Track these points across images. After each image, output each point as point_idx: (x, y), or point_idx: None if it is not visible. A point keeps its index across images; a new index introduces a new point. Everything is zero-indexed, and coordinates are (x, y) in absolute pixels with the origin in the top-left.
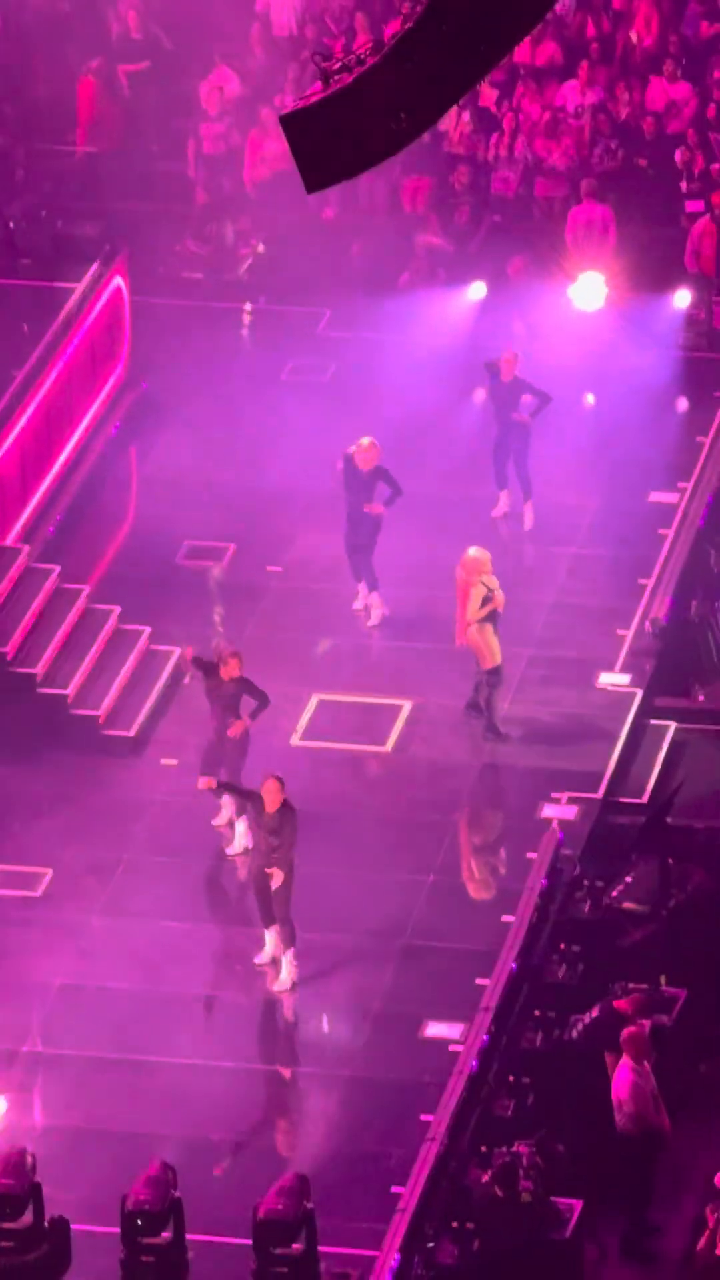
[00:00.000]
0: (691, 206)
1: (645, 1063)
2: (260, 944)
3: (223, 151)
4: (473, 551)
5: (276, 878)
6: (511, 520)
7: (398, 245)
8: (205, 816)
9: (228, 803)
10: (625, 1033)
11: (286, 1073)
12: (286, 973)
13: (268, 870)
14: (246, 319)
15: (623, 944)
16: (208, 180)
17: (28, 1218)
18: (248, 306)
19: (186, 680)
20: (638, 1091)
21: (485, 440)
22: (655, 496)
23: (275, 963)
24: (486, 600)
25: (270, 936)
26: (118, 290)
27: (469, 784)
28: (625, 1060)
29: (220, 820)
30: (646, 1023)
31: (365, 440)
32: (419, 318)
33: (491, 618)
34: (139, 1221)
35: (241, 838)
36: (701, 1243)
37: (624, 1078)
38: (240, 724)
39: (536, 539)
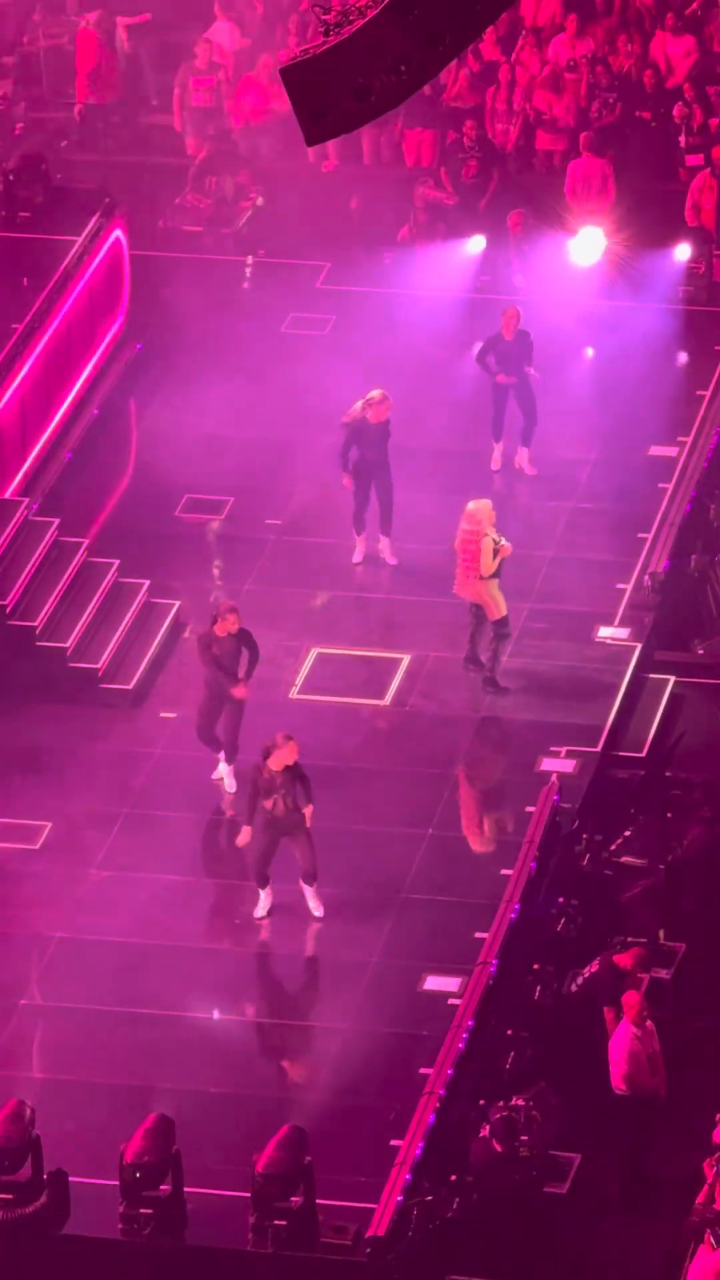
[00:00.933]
0: (691, 160)
1: (645, 1024)
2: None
3: (211, 105)
4: (473, 505)
5: (309, 817)
6: (508, 473)
7: (397, 199)
8: (204, 770)
9: (232, 783)
10: (624, 997)
11: (285, 1026)
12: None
13: (304, 810)
14: (248, 272)
15: (621, 898)
16: (195, 132)
17: (26, 1171)
18: (249, 259)
19: (186, 634)
20: (633, 1056)
21: (484, 393)
22: (655, 450)
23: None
24: (496, 552)
25: (266, 895)
26: (117, 243)
27: (468, 737)
28: (624, 1023)
29: (218, 774)
30: (645, 977)
31: (376, 392)
32: (418, 271)
33: (497, 570)
34: (138, 1174)
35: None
36: (700, 1197)
37: (620, 1041)
38: (243, 686)
39: (536, 493)
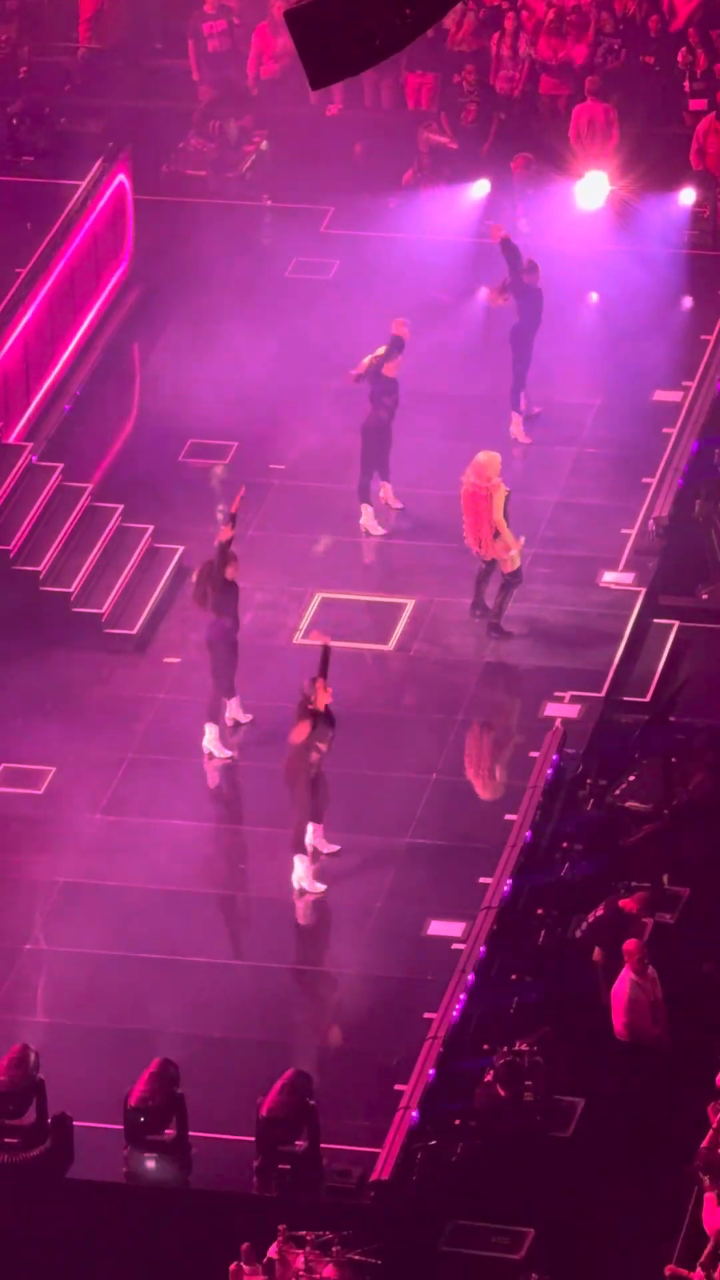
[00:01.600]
0: (695, 105)
1: (650, 970)
2: (273, 843)
3: (226, 49)
4: (483, 456)
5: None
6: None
7: (402, 142)
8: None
9: (234, 705)
10: (625, 945)
11: (289, 970)
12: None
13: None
14: (268, 217)
15: (626, 842)
16: (213, 79)
17: (30, 1115)
18: (268, 202)
19: (193, 579)
20: (634, 1004)
21: (487, 337)
22: (659, 395)
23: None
24: (507, 502)
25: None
26: (121, 187)
27: (472, 682)
28: (626, 971)
29: (209, 742)
30: (650, 922)
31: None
32: (423, 215)
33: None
34: (142, 1118)
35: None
36: (706, 1141)
37: (622, 990)
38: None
39: (540, 437)
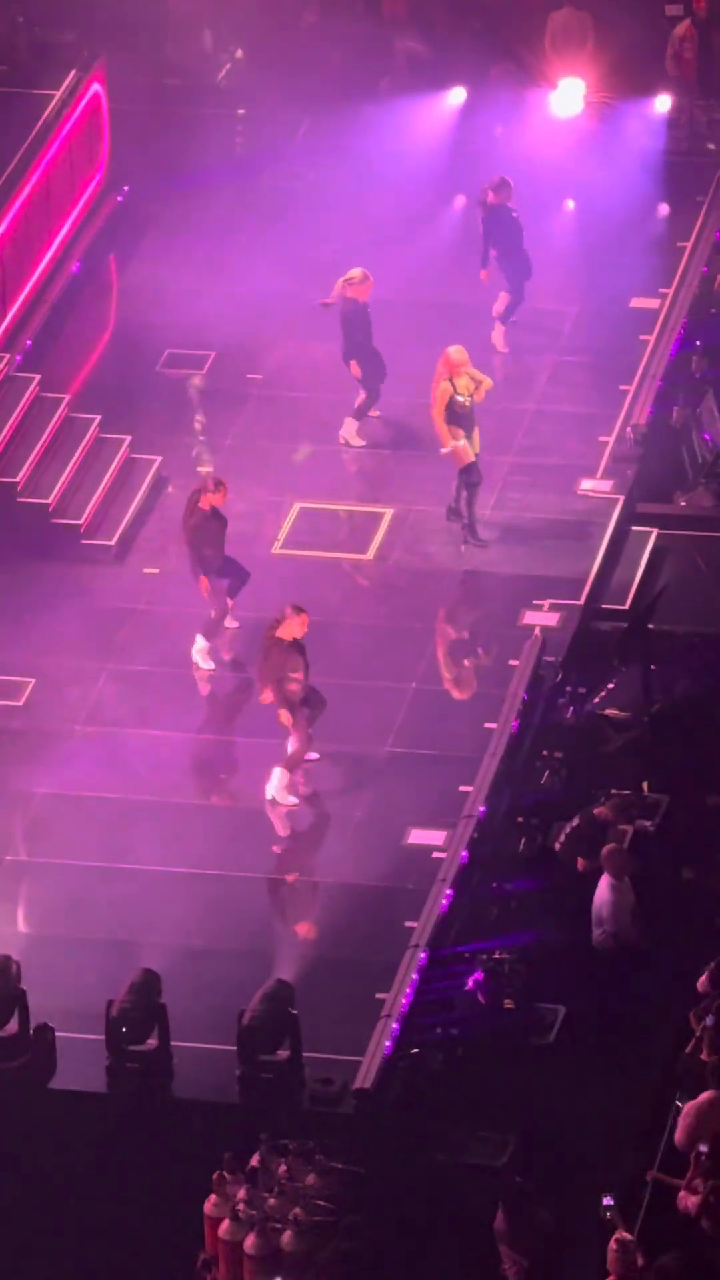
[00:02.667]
0: (671, 10)
1: (625, 878)
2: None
3: None
4: (451, 348)
5: None
6: (490, 324)
7: (376, 51)
8: (188, 625)
9: (231, 621)
10: (604, 850)
11: (270, 880)
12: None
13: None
14: (240, 126)
15: (605, 750)
16: None
17: (13, 1025)
18: (240, 112)
19: (170, 489)
20: (616, 909)
21: (465, 244)
22: (636, 302)
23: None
24: (452, 402)
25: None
26: (96, 97)
27: (451, 591)
28: (605, 876)
29: (198, 651)
30: (629, 829)
31: (356, 271)
32: (398, 123)
33: (457, 419)
34: (124, 1028)
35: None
36: (689, 1048)
37: (603, 895)
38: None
39: (518, 346)
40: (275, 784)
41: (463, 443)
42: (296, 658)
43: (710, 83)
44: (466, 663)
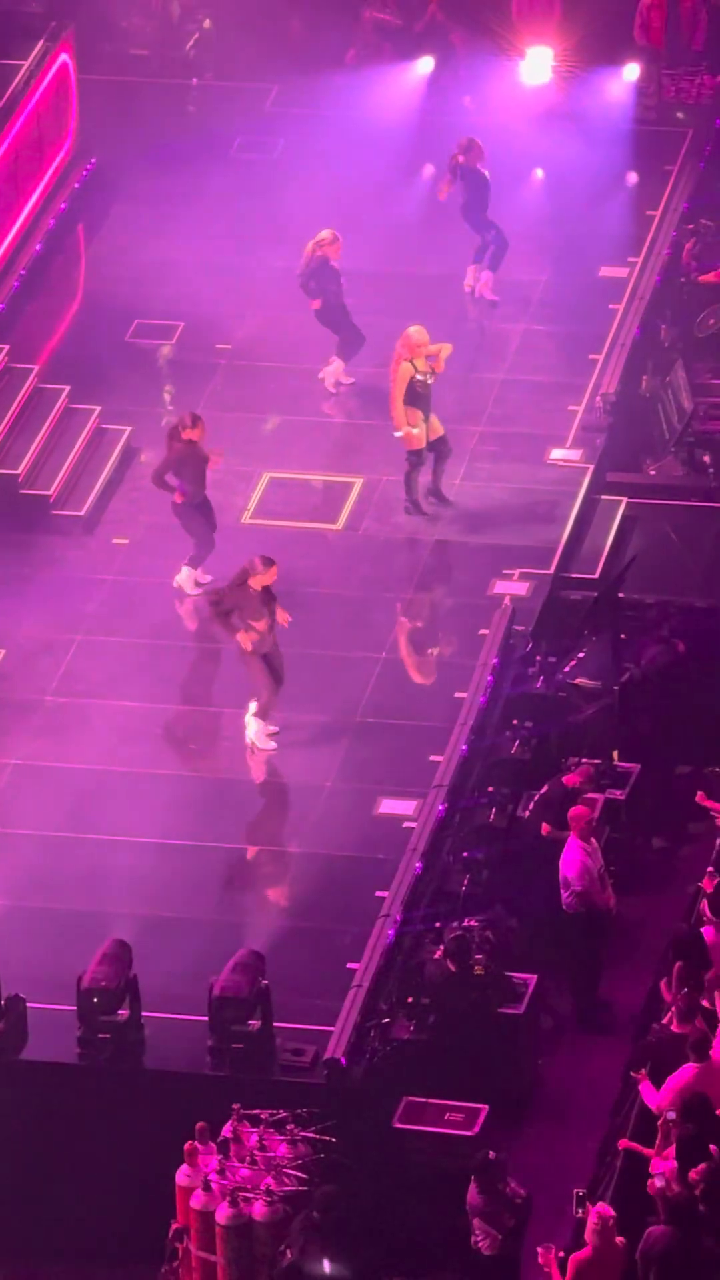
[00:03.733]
0: None
1: (592, 840)
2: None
3: None
4: (411, 328)
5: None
6: (461, 295)
7: (344, 20)
8: (159, 596)
9: (204, 576)
10: (571, 811)
11: (241, 850)
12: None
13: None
14: (193, 94)
15: (575, 719)
16: None
17: None
18: (195, 81)
19: (141, 459)
20: (585, 871)
21: (434, 214)
22: (605, 271)
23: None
24: (416, 382)
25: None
26: (64, 66)
27: (420, 561)
28: (573, 839)
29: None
30: (599, 798)
31: (326, 233)
32: (366, 93)
33: (416, 400)
34: (95, 999)
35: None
36: (666, 1018)
37: (571, 856)
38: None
39: (487, 314)
40: (252, 730)
41: (417, 430)
42: (259, 606)
43: (679, 51)
44: (436, 632)
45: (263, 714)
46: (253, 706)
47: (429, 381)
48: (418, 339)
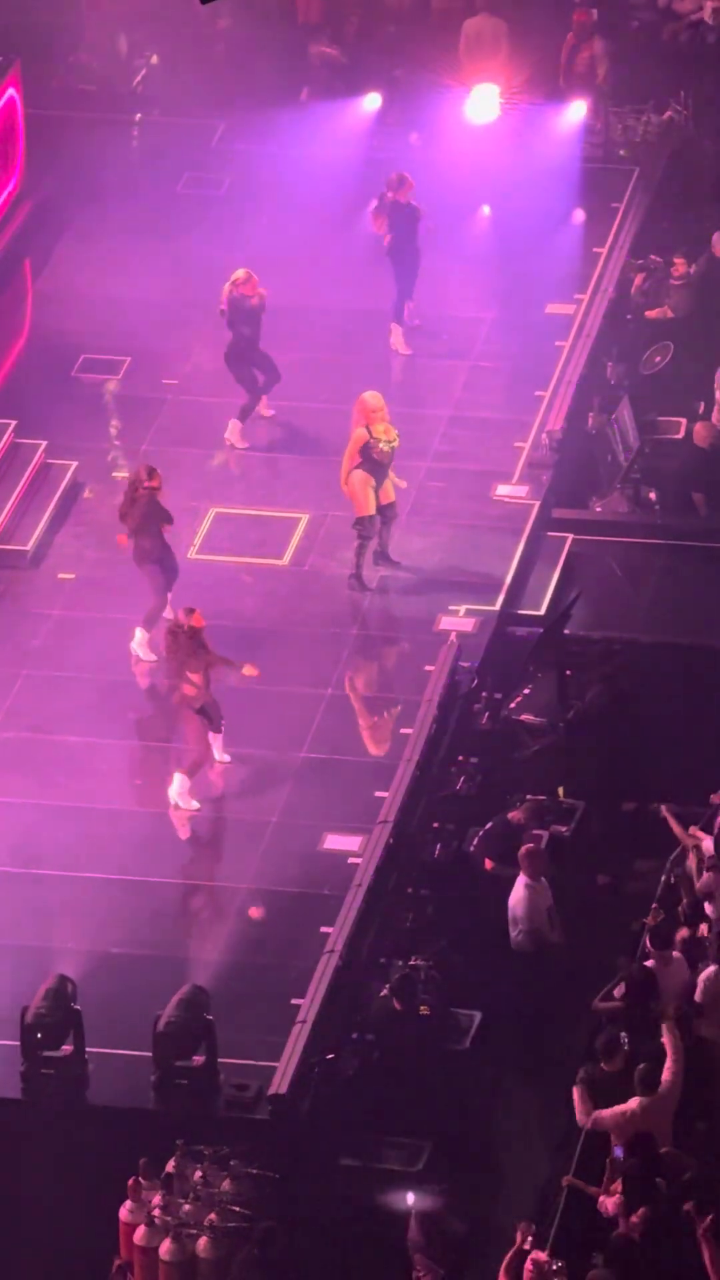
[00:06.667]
0: (580, 17)
1: (541, 879)
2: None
3: None
4: (366, 394)
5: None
6: (406, 331)
7: (292, 56)
8: (103, 631)
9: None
10: (522, 850)
11: (186, 885)
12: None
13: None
14: (135, 131)
15: (521, 756)
16: None
17: None
18: (138, 117)
19: (86, 494)
20: (533, 909)
21: (380, 250)
22: (552, 308)
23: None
24: (368, 448)
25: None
26: (11, 101)
27: (366, 597)
28: (521, 877)
29: (137, 643)
30: (545, 834)
31: (241, 272)
32: (313, 129)
33: (373, 467)
34: (39, 1034)
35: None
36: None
37: (519, 894)
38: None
39: (433, 351)
40: (176, 789)
41: (368, 493)
42: (193, 657)
43: (626, 90)
44: (382, 668)
45: (191, 770)
46: (178, 778)
47: (387, 450)
48: (373, 404)
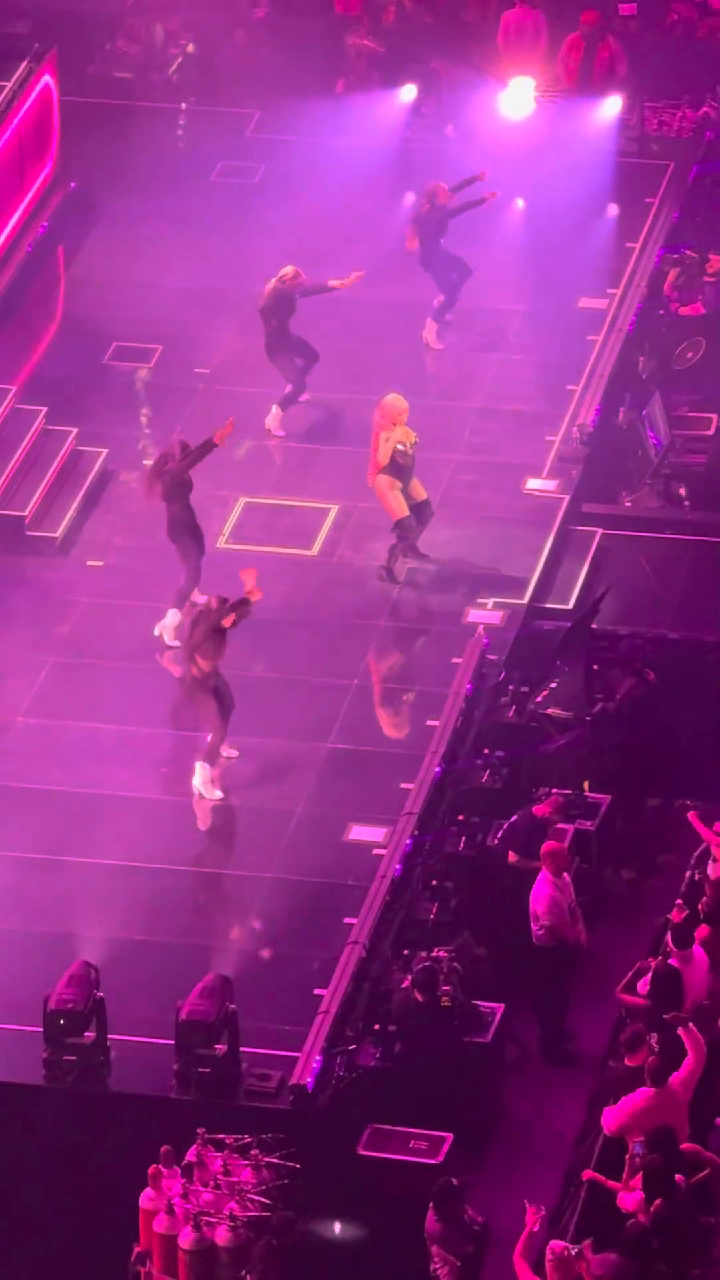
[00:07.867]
0: (625, 10)
1: (564, 875)
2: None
3: None
4: (390, 397)
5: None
6: (449, 326)
7: (327, 46)
8: (131, 618)
9: (199, 596)
10: (545, 846)
11: (211, 874)
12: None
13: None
14: (181, 120)
15: (546, 749)
16: None
17: None
18: (183, 105)
19: (122, 479)
20: (554, 905)
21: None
22: (584, 302)
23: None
24: (396, 453)
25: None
26: (47, 88)
27: (394, 588)
28: (544, 873)
29: (161, 627)
30: (569, 829)
31: (289, 269)
32: (348, 120)
33: (397, 471)
34: (62, 1021)
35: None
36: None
37: (541, 891)
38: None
39: (465, 344)
40: (199, 778)
41: (396, 495)
42: (208, 646)
43: (661, 84)
44: (409, 660)
45: (211, 756)
46: (200, 767)
47: (410, 452)
48: (394, 406)
